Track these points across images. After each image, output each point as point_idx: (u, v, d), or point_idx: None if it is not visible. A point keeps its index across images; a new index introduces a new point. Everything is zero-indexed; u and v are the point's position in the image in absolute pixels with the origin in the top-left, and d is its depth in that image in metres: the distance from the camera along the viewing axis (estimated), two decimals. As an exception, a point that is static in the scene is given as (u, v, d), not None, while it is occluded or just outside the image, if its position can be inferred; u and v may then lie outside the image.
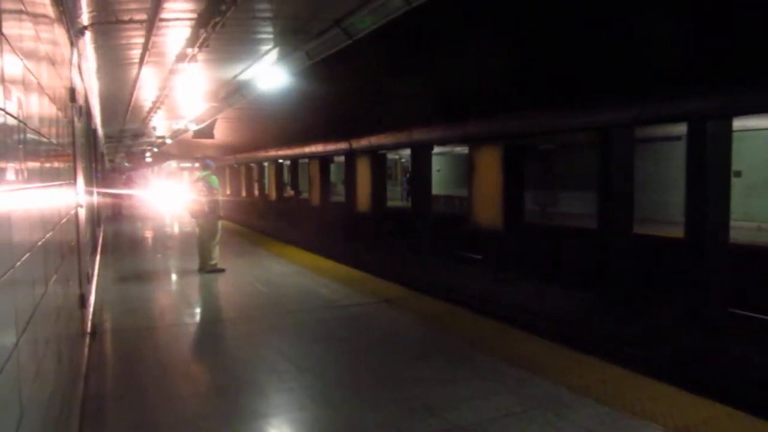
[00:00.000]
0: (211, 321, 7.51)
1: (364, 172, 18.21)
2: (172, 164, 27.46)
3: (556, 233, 14.59)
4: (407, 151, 19.98)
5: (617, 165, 10.28)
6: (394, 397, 4.61)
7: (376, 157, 17.97)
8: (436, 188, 20.47)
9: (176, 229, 19.43)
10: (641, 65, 8.98)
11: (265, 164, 30.76)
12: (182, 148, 32.26)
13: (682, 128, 11.17)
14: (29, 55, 2.55)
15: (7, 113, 1.89)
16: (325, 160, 21.68)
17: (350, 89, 13.31)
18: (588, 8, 8.00)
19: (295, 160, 26.10)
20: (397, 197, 30.07)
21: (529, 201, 17.71)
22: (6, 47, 1.97)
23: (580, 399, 4.43)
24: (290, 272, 10.47)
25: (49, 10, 3.89)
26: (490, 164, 12.83)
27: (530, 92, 11.00)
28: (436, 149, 17.64)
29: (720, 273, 8.74)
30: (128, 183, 28.64)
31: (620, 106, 9.73)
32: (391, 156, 27.82)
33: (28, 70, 2.50)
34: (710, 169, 8.63)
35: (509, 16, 8.63)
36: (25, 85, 2.40)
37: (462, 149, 21.01)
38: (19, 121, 2.16)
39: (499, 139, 12.51)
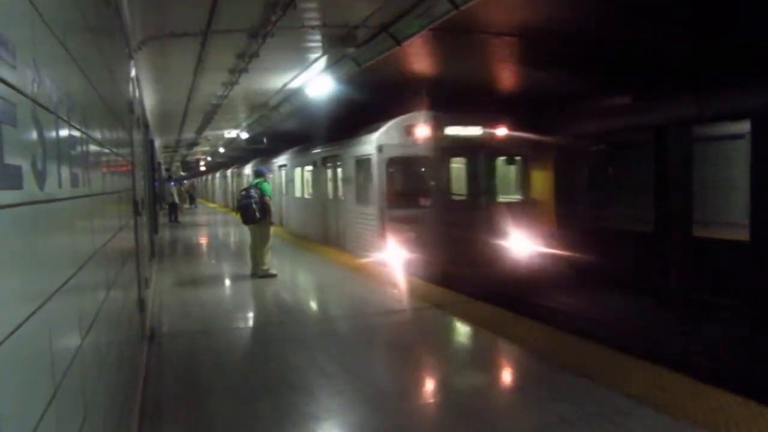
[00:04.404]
0: (263, 324, 7.65)
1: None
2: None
3: (610, 236, 14.12)
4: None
5: (675, 165, 9.94)
6: (444, 402, 4.58)
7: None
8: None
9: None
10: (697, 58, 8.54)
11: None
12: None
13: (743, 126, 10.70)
14: (91, 70, 2.67)
15: (71, 125, 1.98)
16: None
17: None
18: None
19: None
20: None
21: (582, 203, 17.16)
22: (71, 65, 2.07)
23: (637, 407, 4.28)
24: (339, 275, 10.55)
25: (109, 27, 4.06)
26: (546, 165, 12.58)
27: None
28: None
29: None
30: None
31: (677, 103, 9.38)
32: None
33: (91, 83, 2.61)
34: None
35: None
36: (87, 98, 2.51)
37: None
38: (82, 132, 2.26)
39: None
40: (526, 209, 12.21)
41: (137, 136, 6.98)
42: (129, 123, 5.43)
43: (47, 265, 1.56)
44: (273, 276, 10.23)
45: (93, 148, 2.59)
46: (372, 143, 11.62)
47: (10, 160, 1.20)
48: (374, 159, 11.45)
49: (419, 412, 4.47)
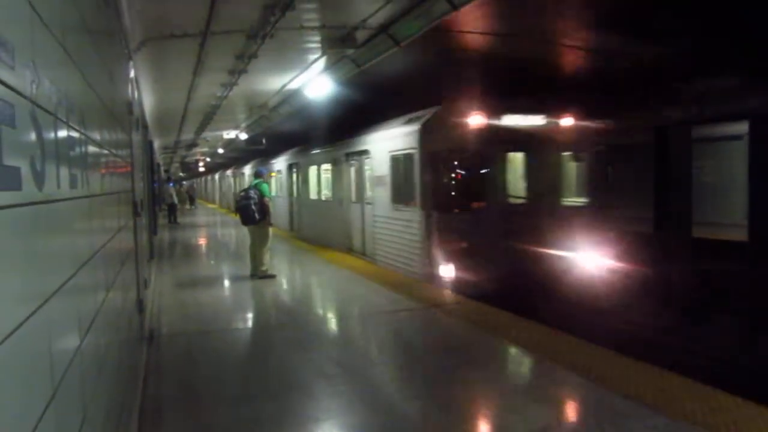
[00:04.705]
0: (262, 326, 7.65)
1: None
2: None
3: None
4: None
5: (674, 165, 9.95)
6: (446, 403, 4.57)
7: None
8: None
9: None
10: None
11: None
12: None
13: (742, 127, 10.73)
14: (90, 71, 2.67)
15: (70, 126, 1.98)
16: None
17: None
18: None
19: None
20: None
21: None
22: (70, 66, 2.07)
23: (637, 408, 4.28)
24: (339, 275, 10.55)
25: (108, 28, 4.06)
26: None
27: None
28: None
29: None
30: None
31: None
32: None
33: (90, 84, 2.61)
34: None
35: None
36: (86, 99, 2.51)
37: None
38: (81, 133, 2.26)
39: None
40: (595, 214, 10.17)
41: (136, 137, 6.98)
42: (128, 124, 5.43)
43: (46, 266, 1.56)
44: (272, 277, 10.23)
45: (92, 149, 2.59)
46: (413, 135, 9.82)
47: (9, 161, 1.20)
48: (416, 154, 9.65)
49: None
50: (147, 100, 12.23)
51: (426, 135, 9.52)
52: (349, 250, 13.29)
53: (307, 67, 10.38)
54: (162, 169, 35.59)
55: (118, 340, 3.24)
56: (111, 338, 2.90)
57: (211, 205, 43.64)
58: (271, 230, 10.46)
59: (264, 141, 20.44)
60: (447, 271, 8.81)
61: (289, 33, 8.00)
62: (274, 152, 21.72)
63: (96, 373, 2.27)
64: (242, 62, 9.25)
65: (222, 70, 10.08)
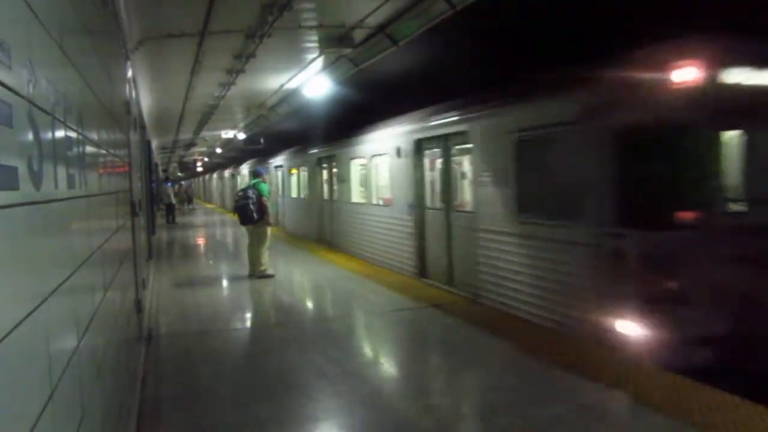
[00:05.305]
0: (261, 325, 7.65)
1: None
2: None
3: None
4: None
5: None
6: (445, 403, 4.58)
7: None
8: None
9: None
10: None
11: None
12: None
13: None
14: (88, 71, 2.66)
15: (67, 126, 1.98)
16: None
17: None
18: None
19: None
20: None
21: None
22: (68, 65, 2.06)
23: (635, 407, 4.28)
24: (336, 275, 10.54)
25: (106, 28, 4.06)
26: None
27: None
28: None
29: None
30: None
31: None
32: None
33: (87, 84, 2.61)
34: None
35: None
36: (83, 99, 2.50)
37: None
38: (79, 133, 2.25)
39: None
40: None
41: (134, 137, 6.97)
42: (126, 124, 5.42)
43: (44, 266, 1.56)
44: (271, 276, 10.22)
45: (90, 149, 2.59)
46: (573, 102, 6.01)
47: (7, 161, 1.20)
48: (581, 132, 5.84)
49: None
50: (145, 99, 12.22)
51: (602, 99, 5.74)
52: (420, 274, 9.56)
53: (305, 67, 10.39)
54: (160, 168, 35.55)
55: (116, 340, 3.23)
56: (109, 338, 2.89)
57: (209, 205, 43.61)
58: (269, 230, 10.46)
59: (262, 141, 20.43)
60: (642, 329, 5.36)
61: (287, 33, 8.00)
62: (288, 146, 18.75)
63: (94, 373, 2.26)
64: (240, 62, 9.26)
65: (220, 69, 10.08)
